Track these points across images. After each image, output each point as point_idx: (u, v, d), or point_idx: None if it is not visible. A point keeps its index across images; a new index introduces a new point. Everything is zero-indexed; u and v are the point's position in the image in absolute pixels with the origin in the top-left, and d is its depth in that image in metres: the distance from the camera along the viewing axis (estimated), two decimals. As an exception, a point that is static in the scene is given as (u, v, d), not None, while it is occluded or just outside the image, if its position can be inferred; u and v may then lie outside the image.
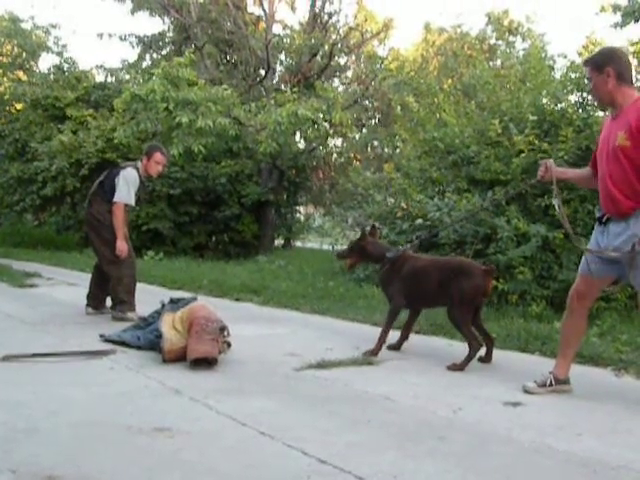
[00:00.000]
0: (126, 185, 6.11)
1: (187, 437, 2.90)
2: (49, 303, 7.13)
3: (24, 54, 21.95)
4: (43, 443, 2.79)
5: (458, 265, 4.69)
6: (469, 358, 4.35)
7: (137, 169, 6.24)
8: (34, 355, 4.32)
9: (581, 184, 4.78)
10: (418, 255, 5.16)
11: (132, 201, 6.20)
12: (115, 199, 6.09)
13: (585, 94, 8.14)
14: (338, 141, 20.31)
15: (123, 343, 4.81)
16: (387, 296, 4.95)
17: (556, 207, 3.99)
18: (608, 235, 3.61)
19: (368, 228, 5.22)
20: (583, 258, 3.81)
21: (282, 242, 19.22)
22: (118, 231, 6.07)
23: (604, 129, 3.75)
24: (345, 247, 5.73)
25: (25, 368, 4.12)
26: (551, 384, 3.79)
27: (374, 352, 4.67)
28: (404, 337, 4.95)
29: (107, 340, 4.93)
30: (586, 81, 3.96)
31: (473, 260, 5.58)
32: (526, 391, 3.78)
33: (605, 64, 3.55)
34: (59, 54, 21.99)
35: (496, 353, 4.62)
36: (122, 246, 6.08)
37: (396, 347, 4.92)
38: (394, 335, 4.93)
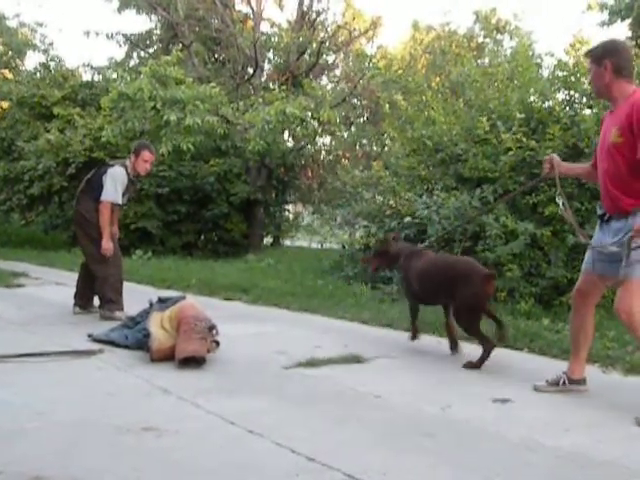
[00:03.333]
0: (113, 183, 6.08)
1: (175, 436, 2.89)
2: (37, 303, 7.07)
3: (10, 52, 21.78)
4: (30, 444, 2.77)
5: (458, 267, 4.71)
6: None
7: (125, 167, 6.21)
8: (21, 355, 4.29)
9: (588, 179, 4.57)
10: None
11: (119, 200, 6.17)
12: (102, 198, 6.06)
13: (572, 92, 8.18)
14: (327, 139, 20.31)
15: (111, 342, 4.79)
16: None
17: (560, 205, 3.85)
18: (609, 232, 3.55)
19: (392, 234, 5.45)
20: (587, 255, 3.72)
21: (271, 240, 19.20)
22: (104, 230, 6.04)
23: (604, 124, 3.66)
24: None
25: (12, 368, 4.09)
26: (564, 384, 3.76)
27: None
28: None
29: (95, 340, 4.90)
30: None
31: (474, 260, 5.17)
32: (536, 390, 3.76)
33: (604, 57, 3.47)
34: (45, 52, 21.83)
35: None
36: (107, 245, 6.05)
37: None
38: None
